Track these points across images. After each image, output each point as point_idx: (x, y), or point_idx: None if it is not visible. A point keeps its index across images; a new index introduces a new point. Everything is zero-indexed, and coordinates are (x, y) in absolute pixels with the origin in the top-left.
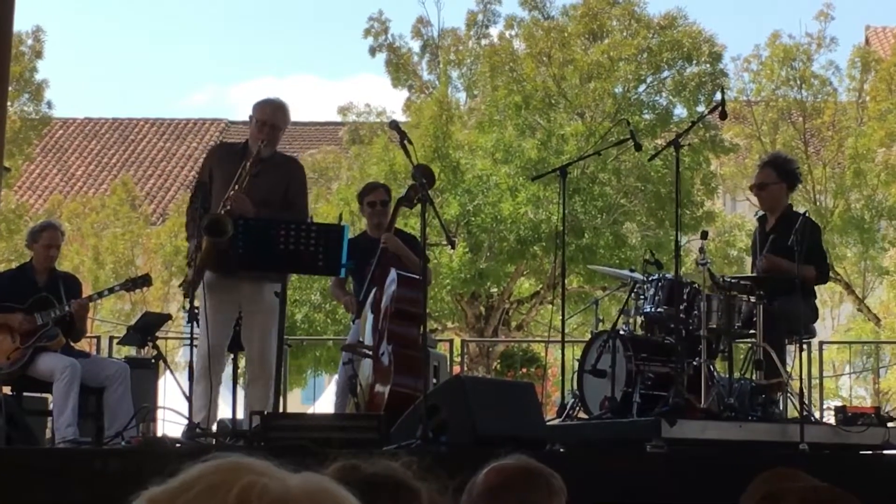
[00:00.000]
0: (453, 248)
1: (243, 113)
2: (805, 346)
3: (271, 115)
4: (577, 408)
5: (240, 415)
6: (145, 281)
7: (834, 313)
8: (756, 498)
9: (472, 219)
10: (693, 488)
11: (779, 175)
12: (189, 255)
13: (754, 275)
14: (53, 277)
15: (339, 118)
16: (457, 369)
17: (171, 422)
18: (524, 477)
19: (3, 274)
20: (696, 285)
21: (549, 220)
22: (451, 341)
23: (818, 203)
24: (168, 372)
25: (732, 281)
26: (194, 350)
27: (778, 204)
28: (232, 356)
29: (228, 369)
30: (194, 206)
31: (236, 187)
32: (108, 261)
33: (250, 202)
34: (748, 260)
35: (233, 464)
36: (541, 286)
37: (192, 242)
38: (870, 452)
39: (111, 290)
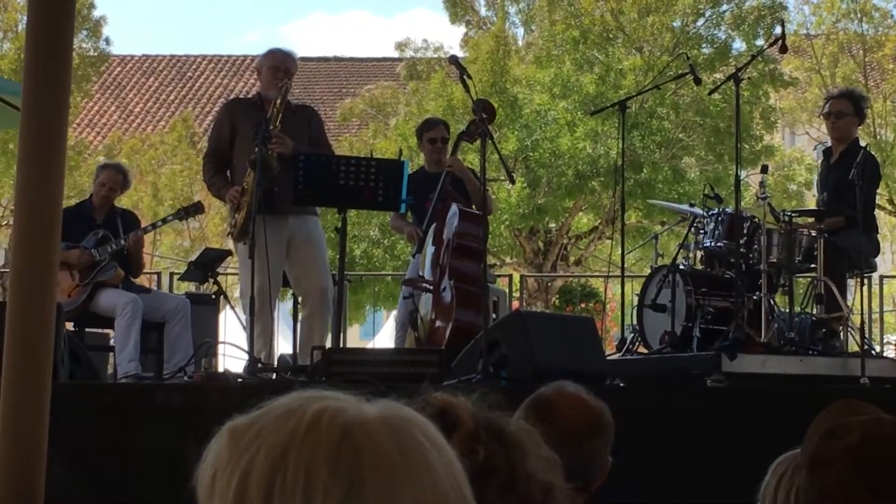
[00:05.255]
0: (513, 183)
1: (299, 50)
2: (865, 281)
3: (283, 60)
4: (637, 342)
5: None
6: (198, 209)
7: (894, 247)
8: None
9: (531, 154)
10: (753, 422)
11: (854, 108)
12: (232, 200)
13: (818, 208)
14: (112, 213)
15: (395, 54)
16: (515, 304)
17: (231, 356)
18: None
19: (63, 210)
20: (757, 219)
21: (607, 155)
22: (509, 276)
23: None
24: (228, 307)
25: (793, 214)
26: (255, 286)
27: (849, 136)
28: (291, 293)
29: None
30: (214, 163)
31: (272, 128)
32: (167, 197)
33: (289, 139)
34: (808, 194)
35: (313, 392)
36: (599, 221)
37: (232, 189)
38: None
39: (164, 221)
